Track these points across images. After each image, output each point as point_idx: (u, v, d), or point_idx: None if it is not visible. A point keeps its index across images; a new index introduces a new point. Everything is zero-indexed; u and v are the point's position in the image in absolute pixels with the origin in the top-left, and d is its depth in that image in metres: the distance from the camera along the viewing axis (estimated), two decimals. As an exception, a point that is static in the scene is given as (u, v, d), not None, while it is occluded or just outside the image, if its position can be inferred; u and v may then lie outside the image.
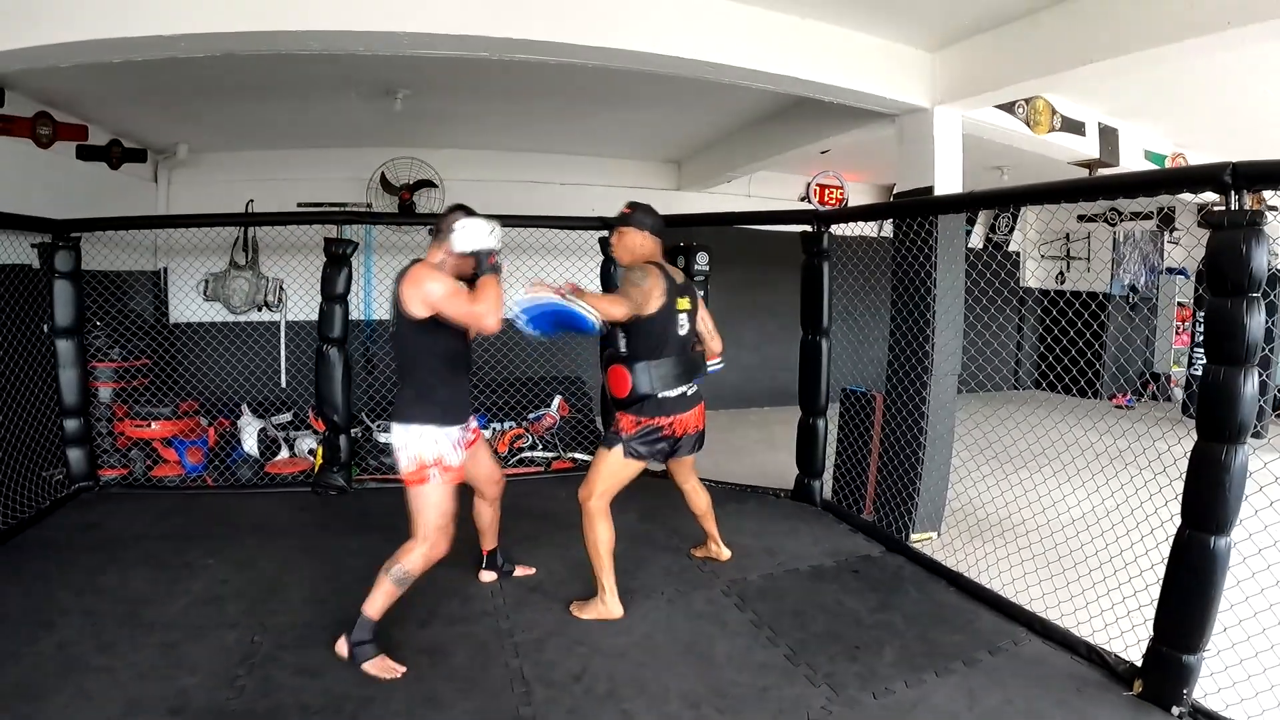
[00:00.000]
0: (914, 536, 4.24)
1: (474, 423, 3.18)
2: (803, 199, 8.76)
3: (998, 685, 2.72)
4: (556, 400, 6.13)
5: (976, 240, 10.27)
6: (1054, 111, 5.04)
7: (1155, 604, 2.65)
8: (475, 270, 2.83)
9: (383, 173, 6.80)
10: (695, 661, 2.85)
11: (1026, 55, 3.80)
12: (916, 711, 2.55)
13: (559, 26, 3.45)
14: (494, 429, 5.86)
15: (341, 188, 6.84)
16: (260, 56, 3.67)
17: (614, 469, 3.22)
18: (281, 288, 6.63)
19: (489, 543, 3.56)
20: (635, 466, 3.24)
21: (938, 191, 4.31)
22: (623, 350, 3.19)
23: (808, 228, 4.76)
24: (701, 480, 3.75)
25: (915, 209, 4.33)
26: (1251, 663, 2.60)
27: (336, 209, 6.40)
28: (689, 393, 3.29)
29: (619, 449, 3.20)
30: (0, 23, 3.11)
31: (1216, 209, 2.44)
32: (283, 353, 6.71)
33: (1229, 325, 2.38)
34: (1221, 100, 4.99)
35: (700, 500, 3.76)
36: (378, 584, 2.75)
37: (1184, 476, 2.58)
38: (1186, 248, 8.42)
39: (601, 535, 3.18)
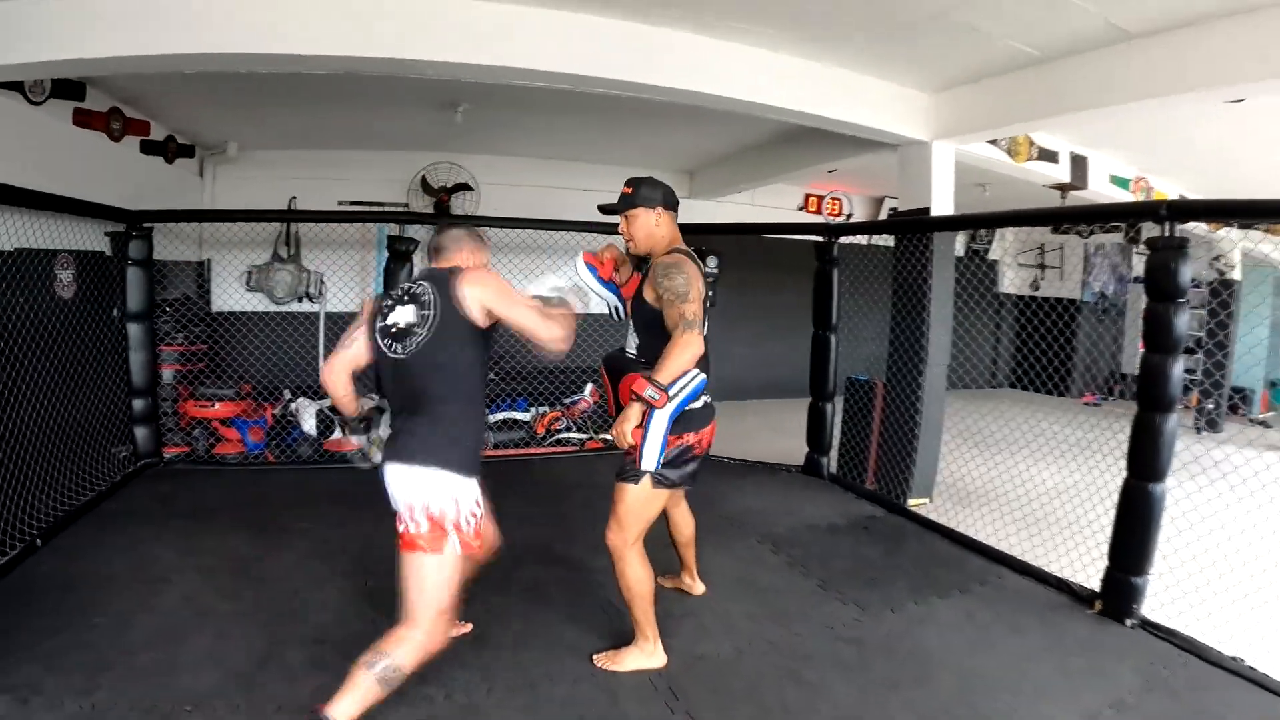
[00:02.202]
0: (911, 501, 5.19)
1: None
2: (800, 208, 9.82)
3: (989, 606, 3.65)
4: (588, 387, 6.99)
5: (958, 249, 11.38)
6: (1032, 143, 6.02)
7: (1109, 543, 3.60)
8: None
9: (424, 176, 7.57)
10: (748, 590, 3.69)
11: (1012, 104, 4.75)
12: (927, 623, 3.45)
13: (640, 70, 4.31)
14: (534, 412, 6.74)
15: (380, 188, 7.59)
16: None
17: (643, 505, 2.84)
18: (322, 280, 7.37)
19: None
20: (664, 496, 2.91)
21: (934, 212, 5.29)
22: (633, 353, 2.90)
23: (820, 238, 5.72)
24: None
25: (916, 226, 5.31)
26: (1185, 584, 3.61)
27: (376, 208, 7.24)
28: (709, 401, 2.93)
29: (646, 480, 2.80)
30: (148, 29, 3.61)
31: (1154, 236, 3.43)
32: (321, 342, 7.44)
33: (1162, 324, 3.36)
34: (1178, 135, 5.94)
35: (687, 526, 3.46)
36: (352, 682, 2.22)
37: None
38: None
39: (641, 579, 2.87)
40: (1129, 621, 3.47)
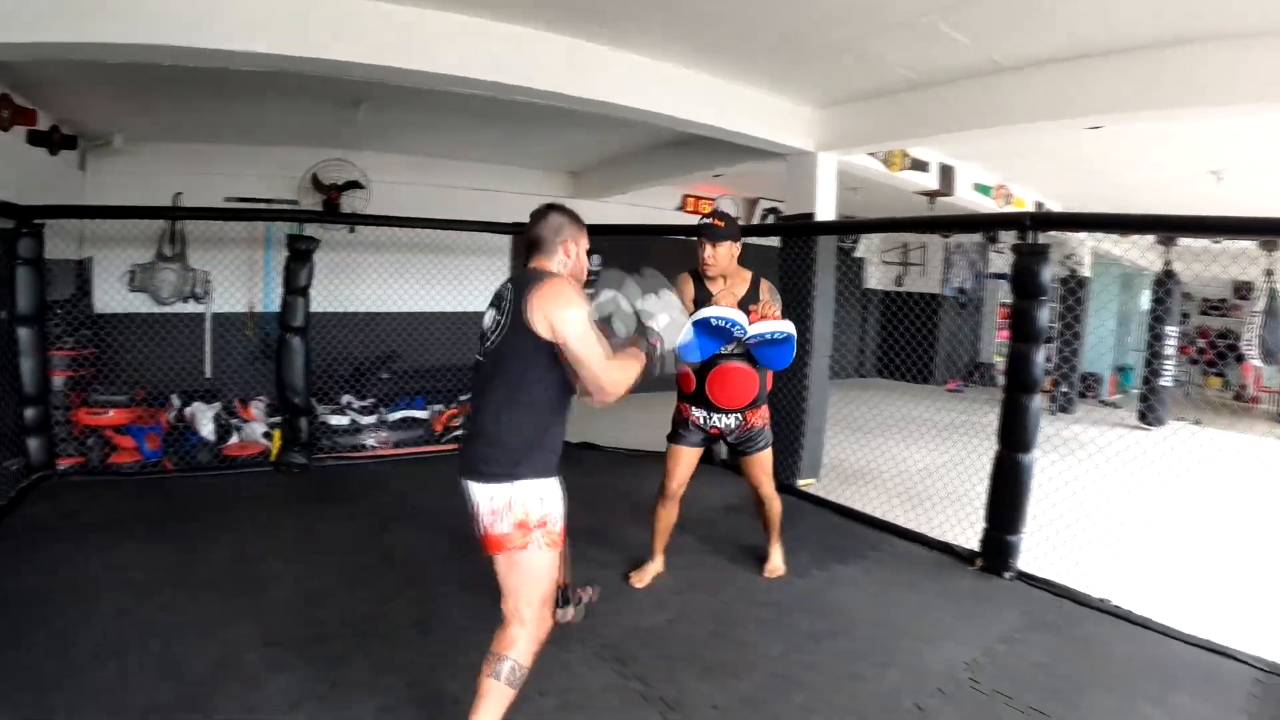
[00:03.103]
0: (800, 482, 5.71)
1: None
2: (678, 209, 10.27)
3: (884, 567, 4.19)
4: (483, 384, 7.14)
5: (827, 247, 12.20)
6: (906, 154, 6.66)
7: (986, 507, 4.19)
8: (623, 340, 2.47)
9: (315, 173, 7.52)
10: (668, 567, 3.98)
11: (894, 122, 5.33)
12: (832, 585, 3.94)
13: (558, 79, 4.57)
14: (431, 410, 6.89)
15: (268, 184, 7.47)
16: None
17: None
18: (208, 280, 7.23)
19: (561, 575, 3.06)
20: None
21: (818, 217, 5.84)
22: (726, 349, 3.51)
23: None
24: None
25: (802, 230, 5.86)
26: (1054, 540, 4.22)
27: (265, 204, 7.19)
28: None
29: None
30: (76, 16, 3.51)
31: (1019, 243, 4.03)
32: (208, 344, 7.34)
33: (1026, 318, 3.99)
34: (1039, 151, 6.61)
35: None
36: (484, 693, 2.29)
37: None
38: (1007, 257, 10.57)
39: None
40: (1007, 574, 4.06)
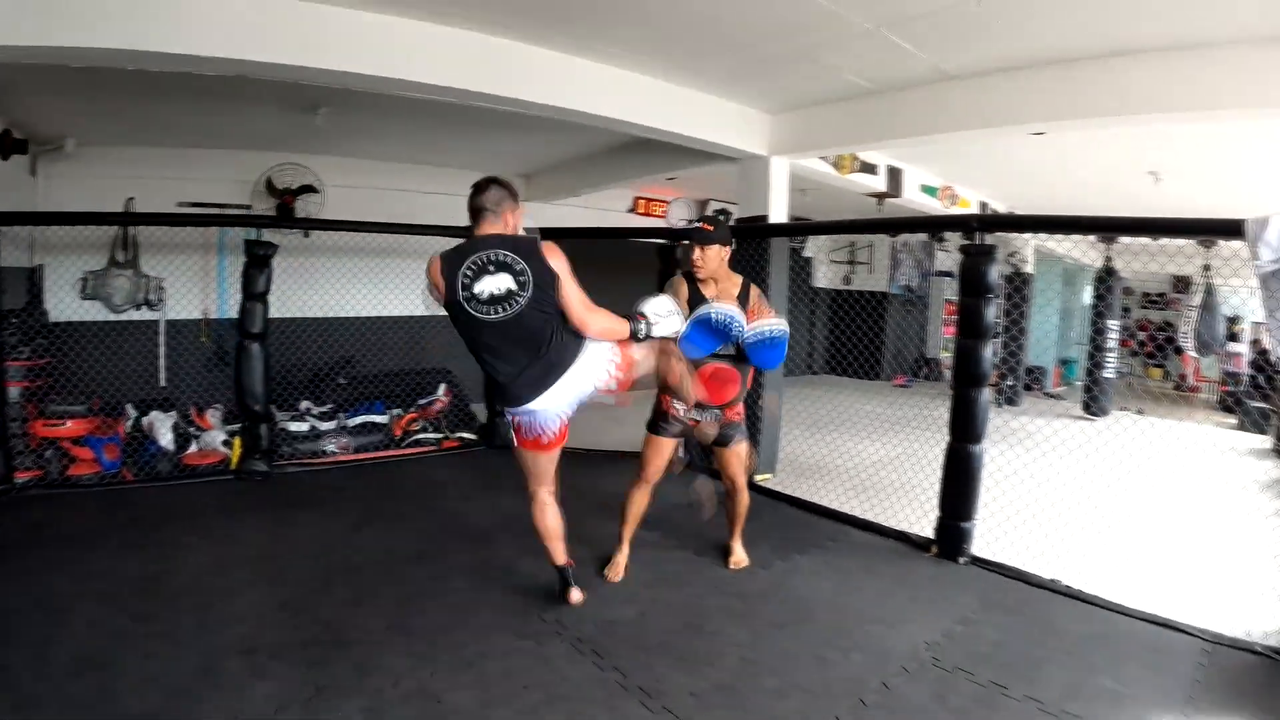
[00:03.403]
0: (758, 477, 5.86)
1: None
2: (630, 210, 10.41)
3: (843, 557, 4.37)
4: (441, 387, 7.24)
5: (777, 246, 12.44)
6: (855, 157, 6.88)
7: (939, 496, 4.39)
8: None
9: (269, 177, 7.46)
10: (634, 562, 4.10)
11: (845, 128, 5.55)
12: (795, 574, 4.10)
13: (508, 84, 4.65)
14: (391, 415, 6.93)
15: (222, 188, 7.44)
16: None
17: None
18: (161, 286, 7.14)
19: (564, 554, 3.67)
20: None
21: (771, 219, 6.04)
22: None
23: (663, 241, 6.43)
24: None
25: (756, 232, 6.03)
26: (1005, 525, 4.41)
27: (218, 210, 7.16)
28: None
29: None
30: (39, 19, 3.48)
31: (967, 243, 4.24)
32: (162, 352, 7.29)
33: (974, 315, 4.21)
34: (984, 154, 6.95)
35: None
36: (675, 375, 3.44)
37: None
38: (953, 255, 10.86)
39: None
40: (962, 560, 4.27)
